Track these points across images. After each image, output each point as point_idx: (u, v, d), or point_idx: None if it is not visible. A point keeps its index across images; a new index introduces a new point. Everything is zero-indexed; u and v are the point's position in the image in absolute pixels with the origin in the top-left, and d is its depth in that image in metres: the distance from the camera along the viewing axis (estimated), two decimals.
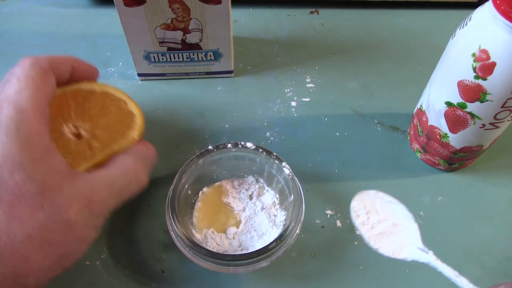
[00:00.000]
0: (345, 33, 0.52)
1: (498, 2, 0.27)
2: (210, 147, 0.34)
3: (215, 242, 0.32)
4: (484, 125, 0.32)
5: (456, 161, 0.37)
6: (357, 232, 0.35)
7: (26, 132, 0.25)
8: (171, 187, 0.32)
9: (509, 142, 0.41)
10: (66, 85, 0.33)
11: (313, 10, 0.55)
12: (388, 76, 0.47)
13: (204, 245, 0.31)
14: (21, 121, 0.26)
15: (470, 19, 0.30)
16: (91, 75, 0.33)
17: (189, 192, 0.34)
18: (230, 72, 0.45)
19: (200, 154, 0.33)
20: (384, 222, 0.35)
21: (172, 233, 0.30)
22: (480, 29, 0.28)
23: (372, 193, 0.37)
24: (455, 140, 0.35)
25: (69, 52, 0.48)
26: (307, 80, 0.47)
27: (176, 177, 0.32)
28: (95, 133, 0.32)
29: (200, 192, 0.35)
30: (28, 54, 0.49)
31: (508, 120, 0.32)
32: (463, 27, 0.30)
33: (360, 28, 0.52)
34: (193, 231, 0.33)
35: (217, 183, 0.36)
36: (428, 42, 0.51)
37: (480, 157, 0.39)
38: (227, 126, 0.42)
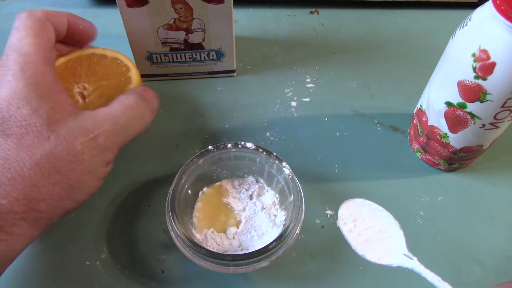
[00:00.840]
0: (345, 33, 0.52)
1: (498, 2, 0.27)
2: (210, 147, 0.34)
3: (215, 242, 0.32)
4: (484, 125, 0.32)
5: (456, 161, 0.37)
6: (344, 239, 0.35)
7: (30, 72, 0.27)
8: (171, 187, 0.32)
9: (509, 142, 0.41)
10: (83, 49, 0.37)
11: (313, 10, 0.55)
12: (388, 76, 0.47)
13: (204, 245, 0.31)
14: (25, 63, 0.27)
15: (470, 19, 0.30)
16: (88, 30, 0.35)
17: (189, 192, 0.34)
18: (233, 71, 0.45)
19: (200, 154, 0.33)
20: (371, 229, 0.35)
21: (172, 233, 0.30)
22: (480, 29, 0.28)
23: (359, 201, 0.37)
24: (455, 140, 0.35)
25: None
26: (307, 80, 0.47)
27: (176, 177, 0.32)
28: (94, 99, 0.35)
29: (200, 192, 0.35)
30: None
31: (508, 120, 0.32)
32: (463, 27, 0.30)
33: (360, 28, 0.52)
34: (193, 231, 0.33)
35: (217, 183, 0.36)
36: (428, 42, 0.51)
37: (480, 157, 0.39)
38: (227, 126, 0.42)
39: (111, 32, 0.51)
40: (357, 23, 0.53)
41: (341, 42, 0.50)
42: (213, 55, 0.43)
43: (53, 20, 0.32)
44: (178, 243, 0.30)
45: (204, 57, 0.43)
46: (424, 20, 0.54)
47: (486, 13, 0.28)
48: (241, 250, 0.32)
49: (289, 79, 0.46)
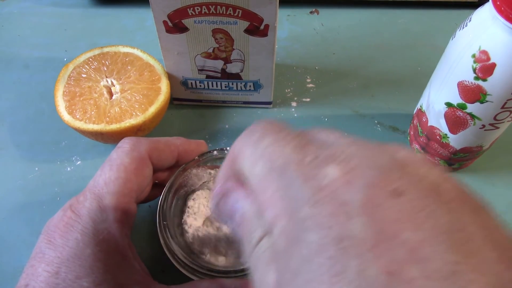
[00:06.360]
0: (345, 33, 0.52)
1: (498, 3, 0.27)
2: (196, 157, 0.32)
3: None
4: (484, 125, 0.32)
5: (456, 161, 0.37)
6: None
7: (103, 237, 0.24)
8: (159, 209, 0.30)
9: (509, 143, 0.41)
10: (122, 46, 0.40)
11: (313, 10, 0.55)
12: (388, 76, 0.47)
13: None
14: (100, 222, 0.24)
15: (470, 20, 0.30)
16: (198, 152, 0.32)
17: (179, 203, 0.33)
18: (269, 103, 0.43)
19: (186, 164, 0.32)
20: None
21: (175, 263, 0.29)
22: (480, 30, 0.28)
23: None
24: (455, 140, 0.35)
25: (69, 52, 0.48)
26: (307, 80, 0.47)
27: (163, 192, 0.30)
28: (121, 99, 0.37)
29: (191, 201, 0.33)
30: (28, 54, 0.50)
31: (508, 121, 0.32)
32: (463, 27, 0.30)
33: (360, 28, 0.52)
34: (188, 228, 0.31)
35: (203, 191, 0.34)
36: (428, 42, 0.51)
37: (480, 158, 0.39)
38: (227, 126, 0.42)
39: (111, 32, 0.51)
40: (357, 23, 0.53)
41: (341, 42, 0.50)
42: (250, 86, 0.41)
43: (158, 157, 0.29)
44: (184, 271, 0.28)
45: (241, 87, 0.41)
46: (424, 20, 0.53)
47: (486, 14, 0.28)
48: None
49: (289, 79, 0.46)
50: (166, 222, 0.29)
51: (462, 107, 0.32)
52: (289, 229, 0.14)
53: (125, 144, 0.28)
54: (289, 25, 0.52)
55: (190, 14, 0.34)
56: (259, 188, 0.16)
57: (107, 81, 0.38)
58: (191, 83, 0.41)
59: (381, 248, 0.12)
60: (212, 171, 0.33)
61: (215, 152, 0.33)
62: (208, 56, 0.38)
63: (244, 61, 0.38)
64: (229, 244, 0.31)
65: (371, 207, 0.13)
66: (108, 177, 0.26)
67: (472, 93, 0.30)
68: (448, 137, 0.35)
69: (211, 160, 0.33)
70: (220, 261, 0.31)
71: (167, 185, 0.31)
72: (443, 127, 0.35)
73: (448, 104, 0.33)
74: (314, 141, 0.17)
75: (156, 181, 0.32)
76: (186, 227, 0.32)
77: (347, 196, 0.13)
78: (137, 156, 0.27)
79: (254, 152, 0.17)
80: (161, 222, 0.29)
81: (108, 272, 0.23)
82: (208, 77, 0.40)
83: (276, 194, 0.15)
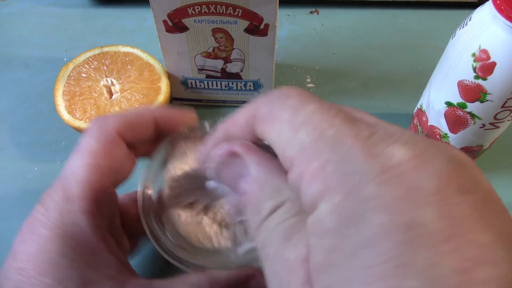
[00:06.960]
0: (345, 33, 0.52)
1: (498, 2, 0.27)
2: (184, 130, 0.28)
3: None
4: (484, 125, 0.32)
5: None
6: None
7: (69, 229, 0.22)
8: (142, 192, 0.26)
9: (509, 142, 0.41)
10: (121, 45, 0.40)
11: (313, 10, 0.55)
12: (388, 76, 0.47)
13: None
14: (66, 213, 0.23)
15: (470, 19, 0.30)
16: (186, 122, 0.28)
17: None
18: None
19: (171, 137, 0.28)
20: None
21: (160, 250, 0.26)
22: (480, 29, 0.28)
23: None
24: (455, 140, 0.35)
25: (69, 52, 0.48)
26: (307, 80, 0.47)
27: (144, 171, 0.26)
28: (121, 98, 0.38)
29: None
30: (28, 54, 0.50)
31: (508, 120, 0.32)
32: (463, 27, 0.30)
33: (360, 28, 0.52)
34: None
35: None
36: (428, 42, 0.51)
37: (480, 157, 0.39)
38: None
39: (111, 32, 0.51)
40: (357, 23, 0.53)
41: (341, 42, 0.50)
42: (250, 86, 0.41)
43: (130, 132, 0.25)
44: (172, 260, 0.26)
45: (241, 86, 0.41)
46: (424, 20, 0.53)
47: (486, 13, 0.28)
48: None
49: (289, 79, 0.46)
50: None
51: (462, 106, 0.32)
52: (346, 206, 0.13)
53: (92, 126, 0.25)
54: (289, 25, 0.52)
55: (190, 13, 0.34)
56: (301, 156, 0.14)
57: (107, 81, 0.38)
58: (191, 82, 0.41)
59: (453, 243, 0.12)
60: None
61: (206, 124, 0.29)
62: (208, 55, 0.38)
63: (244, 60, 0.38)
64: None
65: (442, 198, 0.12)
66: (74, 165, 0.24)
67: (472, 92, 0.30)
68: (448, 137, 0.35)
69: (203, 134, 0.29)
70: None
71: (148, 163, 0.27)
72: (443, 126, 0.35)
73: (448, 104, 0.33)
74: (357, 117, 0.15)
75: (140, 157, 0.29)
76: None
77: (418, 182, 0.12)
78: (105, 138, 0.24)
79: (294, 118, 0.15)
80: (144, 207, 0.26)
81: (73, 268, 0.22)
82: (208, 76, 0.40)
83: (328, 166, 0.14)
